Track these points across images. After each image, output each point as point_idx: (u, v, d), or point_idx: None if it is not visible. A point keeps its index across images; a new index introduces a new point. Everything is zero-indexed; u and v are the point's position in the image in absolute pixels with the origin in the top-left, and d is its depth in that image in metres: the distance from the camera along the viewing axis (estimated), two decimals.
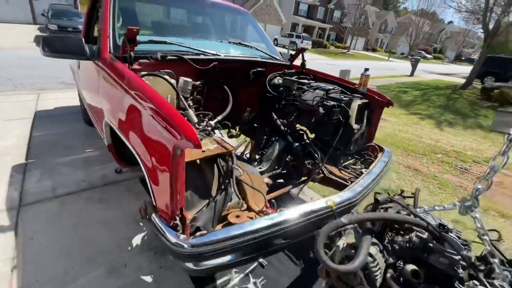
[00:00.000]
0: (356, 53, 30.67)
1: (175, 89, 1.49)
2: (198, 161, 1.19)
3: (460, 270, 0.69)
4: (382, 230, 0.85)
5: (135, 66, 1.51)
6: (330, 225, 0.73)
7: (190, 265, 0.96)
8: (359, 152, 1.97)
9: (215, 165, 1.25)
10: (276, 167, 2.04)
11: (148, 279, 1.58)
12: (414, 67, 15.65)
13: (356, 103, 1.78)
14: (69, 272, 1.58)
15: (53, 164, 2.68)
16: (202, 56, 1.83)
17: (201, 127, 1.43)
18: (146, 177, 1.09)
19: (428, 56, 42.44)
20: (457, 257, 0.69)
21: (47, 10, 12.33)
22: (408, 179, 3.10)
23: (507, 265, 0.77)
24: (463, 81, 12.66)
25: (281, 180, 2.03)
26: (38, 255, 1.68)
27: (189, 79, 1.62)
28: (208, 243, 0.94)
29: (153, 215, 1.04)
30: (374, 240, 0.75)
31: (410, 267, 0.69)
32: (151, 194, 1.08)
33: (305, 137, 2.08)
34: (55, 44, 1.60)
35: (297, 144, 1.99)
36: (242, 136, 2.52)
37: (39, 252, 1.70)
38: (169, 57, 1.66)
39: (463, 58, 49.02)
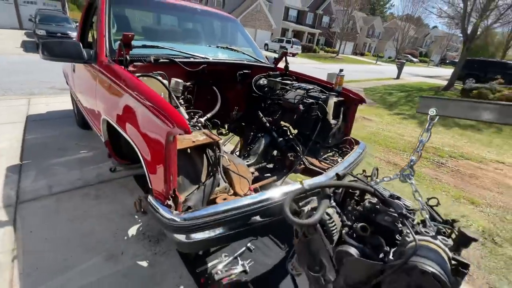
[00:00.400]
0: (345, 57, 31.42)
1: (167, 89, 1.64)
2: (189, 150, 1.34)
3: (400, 225, 0.86)
4: (344, 200, 1.02)
5: (131, 68, 1.65)
6: (295, 190, 0.89)
7: (182, 237, 1.10)
8: (337, 145, 2.15)
9: (204, 155, 1.40)
10: (263, 161, 2.20)
11: (144, 264, 1.71)
12: (399, 70, 16.22)
13: (332, 101, 1.97)
14: (69, 260, 1.69)
15: (48, 165, 2.77)
16: (192, 59, 1.99)
17: (191, 123, 1.58)
18: (143, 162, 1.23)
19: (414, 59, 43.77)
20: (397, 215, 0.86)
21: (35, 15, 12.15)
22: (387, 172, 3.31)
23: (443, 223, 0.95)
24: (445, 83, 13.21)
25: (269, 175, 2.19)
26: (37, 246, 1.78)
27: (180, 80, 1.77)
28: (198, 217, 1.08)
29: (149, 196, 1.18)
30: (333, 204, 0.92)
31: (360, 224, 0.85)
32: (147, 177, 1.23)
33: (289, 133, 2.26)
34: (54, 48, 1.73)
35: (281, 139, 2.16)
36: (231, 134, 2.68)
37: (38, 243, 1.80)
38: (161, 60, 1.82)
39: (447, 61, 50.68)
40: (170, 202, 1.16)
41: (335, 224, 0.86)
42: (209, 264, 1.70)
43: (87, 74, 2.10)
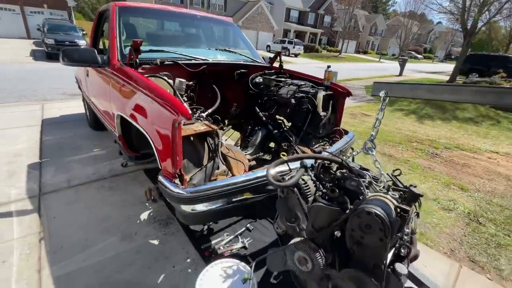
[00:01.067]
0: (348, 56, 31.47)
1: (172, 87, 1.87)
2: (191, 138, 1.56)
3: (363, 188, 1.05)
4: (321, 171, 1.22)
5: (140, 70, 1.88)
6: (276, 161, 1.09)
7: (187, 208, 1.31)
8: (328, 135, 2.34)
9: (205, 142, 1.62)
10: (260, 152, 2.41)
11: (155, 242, 1.93)
12: (402, 67, 16.25)
13: (321, 94, 2.17)
14: (89, 240, 1.92)
15: (65, 162, 3.03)
16: (193, 61, 2.22)
17: (194, 117, 1.80)
18: (153, 147, 1.45)
19: (419, 56, 43.47)
20: (362, 181, 1.05)
21: (43, 25, 12.59)
22: (381, 163, 3.46)
23: (404, 188, 1.14)
24: (448, 78, 13.22)
25: (266, 166, 2.40)
26: (61, 229, 2.01)
27: (183, 80, 1.99)
28: (201, 190, 1.30)
29: (159, 176, 1.40)
30: (310, 174, 1.12)
31: (330, 187, 1.05)
32: (158, 160, 1.44)
33: (283, 125, 2.46)
34: (72, 54, 1.98)
35: (276, 131, 2.37)
36: (230, 128, 2.90)
37: (61, 227, 2.04)
38: (166, 62, 2.05)
39: (452, 57, 50.08)
40: (177, 181, 1.37)
41: (309, 188, 1.06)
42: (213, 242, 1.91)
43: (100, 77, 2.35)
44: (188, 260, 1.77)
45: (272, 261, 1.10)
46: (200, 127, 1.58)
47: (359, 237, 0.87)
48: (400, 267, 0.87)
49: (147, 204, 2.35)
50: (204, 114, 1.91)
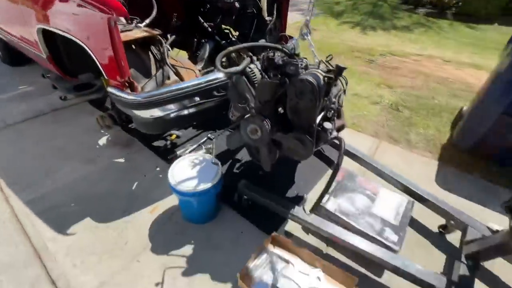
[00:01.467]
0: None
1: None
2: (133, 47, 1.49)
3: (299, 69, 1.22)
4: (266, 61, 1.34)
5: None
6: (222, 52, 1.17)
7: (146, 114, 1.37)
8: (275, 42, 2.39)
9: (150, 52, 1.57)
10: (211, 66, 2.40)
11: (121, 160, 2.02)
12: None
13: None
14: (52, 167, 1.92)
15: None
16: None
17: (132, 25, 1.65)
18: (95, 58, 1.37)
19: None
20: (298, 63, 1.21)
21: None
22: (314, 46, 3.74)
23: (334, 68, 1.33)
24: None
25: None
26: (14, 164, 1.95)
27: None
28: (155, 95, 1.35)
29: (108, 87, 1.38)
30: (256, 62, 1.24)
31: (272, 71, 1.20)
32: (103, 72, 1.39)
33: (230, 35, 2.41)
34: None
35: (224, 41, 2.33)
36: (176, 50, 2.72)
37: (14, 162, 1.96)
38: None
39: None
40: (128, 90, 1.38)
41: (255, 75, 1.19)
42: (178, 152, 2.06)
43: None
44: (158, 169, 1.94)
45: (230, 139, 1.30)
46: (139, 33, 1.50)
47: (295, 103, 1.07)
48: (327, 124, 1.13)
49: (102, 131, 2.31)
50: (141, 25, 1.76)
